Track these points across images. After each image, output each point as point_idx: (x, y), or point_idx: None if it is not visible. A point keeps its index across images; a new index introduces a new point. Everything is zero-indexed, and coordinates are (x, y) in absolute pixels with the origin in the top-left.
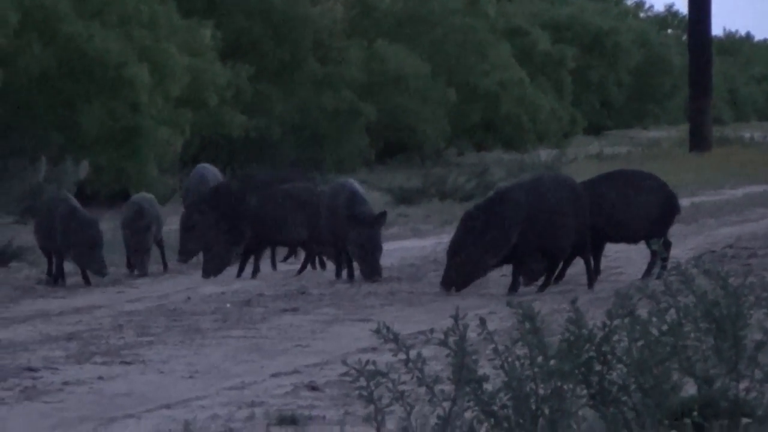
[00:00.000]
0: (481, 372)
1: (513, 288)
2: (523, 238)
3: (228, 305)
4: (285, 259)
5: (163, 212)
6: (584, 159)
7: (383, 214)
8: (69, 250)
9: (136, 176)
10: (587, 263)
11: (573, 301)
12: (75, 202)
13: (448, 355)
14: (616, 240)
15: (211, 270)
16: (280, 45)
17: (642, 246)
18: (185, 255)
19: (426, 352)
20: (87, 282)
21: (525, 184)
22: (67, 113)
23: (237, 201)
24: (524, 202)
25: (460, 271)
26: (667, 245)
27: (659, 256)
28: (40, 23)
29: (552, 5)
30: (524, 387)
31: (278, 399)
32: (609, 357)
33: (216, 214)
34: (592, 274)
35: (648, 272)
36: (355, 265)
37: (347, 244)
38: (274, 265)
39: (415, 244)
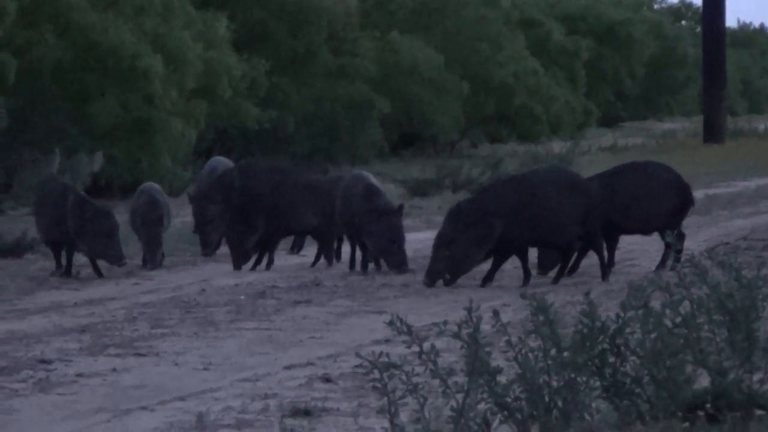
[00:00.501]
0: (494, 364)
1: (525, 280)
2: (513, 231)
3: (242, 297)
4: (292, 249)
5: (177, 204)
6: (598, 151)
7: (401, 206)
8: (83, 242)
9: (149, 168)
10: (600, 256)
11: (586, 294)
12: (80, 191)
13: (461, 347)
14: (630, 232)
15: (239, 261)
16: (294, 37)
17: (656, 237)
18: (209, 248)
19: (439, 344)
20: (99, 274)
21: (513, 177)
22: (80, 105)
23: (246, 191)
24: (509, 196)
25: (448, 265)
26: (681, 237)
27: (673, 248)
28: (53, 14)
29: None
30: (538, 379)
31: (292, 391)
32: (622, 349)
33: (226, 205)
34: (605, 266)
35: (662, 264)
36: (368, 256)
37: (367, 236)
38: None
39: (428, 236)
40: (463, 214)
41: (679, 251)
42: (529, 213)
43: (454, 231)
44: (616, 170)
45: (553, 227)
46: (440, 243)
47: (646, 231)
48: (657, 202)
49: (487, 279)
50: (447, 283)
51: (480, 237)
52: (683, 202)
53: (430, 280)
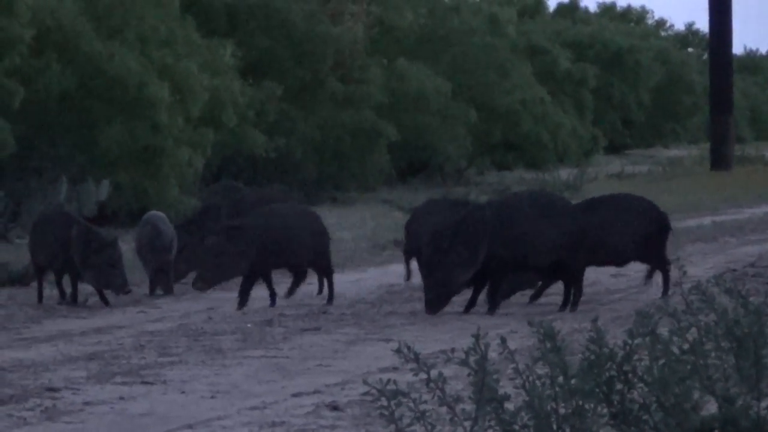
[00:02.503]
0: (502, 391)
1: (491, 308)
2: (493, 254)
3: (249, 325)
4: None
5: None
6: (605, 178)
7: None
8: (87, 271)
9: (156, 196)
10: (566, 284)
11: (594, 320)
12: (81, 219)
13: (469, 375)
14: (602, 263)
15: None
16: (301, 64)
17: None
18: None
19: (447, 371)
20: (105, 302)
21: (495, 202)
22: (87, 133)
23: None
24: (489, 219)
25: (435, 291)
26: (667, 263)
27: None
28: (60, 43)
29: (573, 24)
30: (545, 406)
31: (299, 419)
32: (630, 376)
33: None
34: (578, 297)
35: (665, 291)
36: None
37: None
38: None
39: None
40: (444, 239)
41: (666, 278)
42: (509, 235)
43: (435, 256)
44: (590, 204)
45: (534, 250)
46: (428, 270)
47: (618, 263)
48: (629, 232)
49: (470, 305)
50: (438, 308)
51: (463, 260)
52: (658, 230)
53: (431, 308)
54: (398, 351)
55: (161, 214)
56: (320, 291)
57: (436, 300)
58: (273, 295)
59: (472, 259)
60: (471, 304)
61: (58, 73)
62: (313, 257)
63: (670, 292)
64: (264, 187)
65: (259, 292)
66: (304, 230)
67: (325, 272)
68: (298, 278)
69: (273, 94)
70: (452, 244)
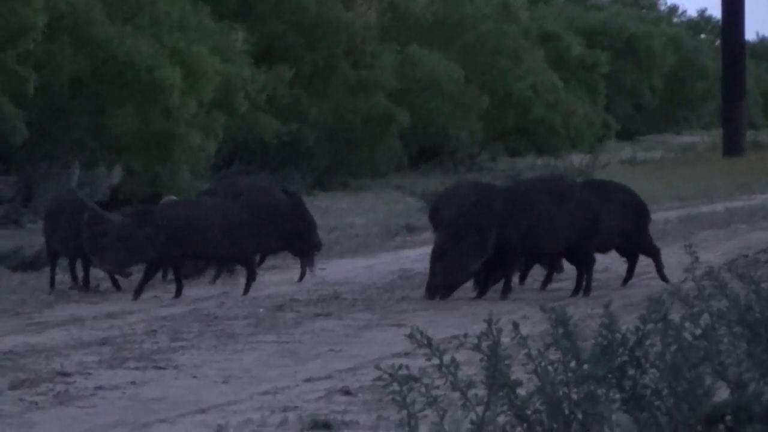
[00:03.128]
0: (514, 377)
1: (504, 293)
2: (504, 240)
3: (261, 310)
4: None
5: None
6: (617, 164)
7: None
8: (97, 257)
9: (168, 181)
10: (578, 268)
11: (606, 306)
12: (94, 204)
13: (481, 360)
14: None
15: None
16: (314, 50)
17: (675, 251)
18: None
19: (459, 356)
20: (117, 287)
21: (506, 188)
22: (99, 118)
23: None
24: (499, 206)
25: (445, 277)
26: (657, 252)
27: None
28: (72, 28)
29: (585, 10)
30: (557, 391)
31: (311, 404)
32: (642, 361)
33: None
34: (583, 282)
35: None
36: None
37: None
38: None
39: None
40: (455, 227)
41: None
42: (521, 222)
43: (447, 243)
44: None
45: (546, 237)
46: (435, 256)
47: (601, 249)
48: (612, 221)
49: (481, 293)
50: (442, 297)
51: (474, 248)
52: (637, 220)
53: (432, 294)
54: (410, 336)
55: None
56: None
57: (438, 286)
58: (179, 289)
59: (482, 247)
60: (483, 290)
61: (70, 58)
62: (228, 250)
63: (682, 278)
64: (248, 175)
65: (272, 276)
66: (218, 222)
67: (244, 265)
68: (304, 263)
69: (284, 78)
70: (463, 233)
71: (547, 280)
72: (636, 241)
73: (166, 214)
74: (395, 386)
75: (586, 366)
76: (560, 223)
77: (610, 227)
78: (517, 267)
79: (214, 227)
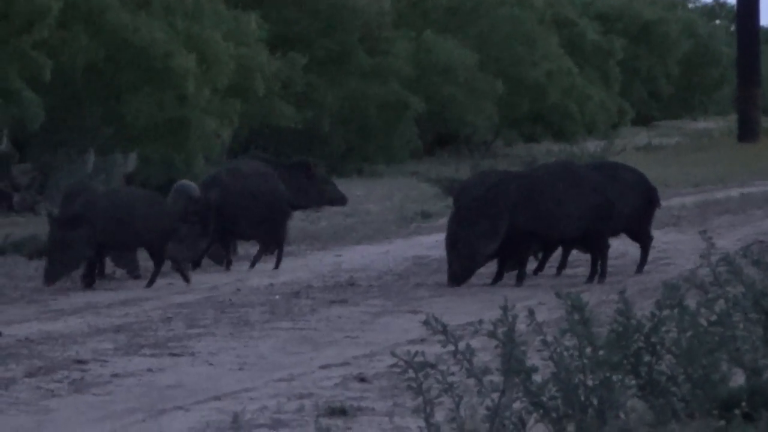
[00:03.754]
0: (529, 363)
1: (519, 279)
2: (519, 227)
3: (277, 297)
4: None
5: None
6: (633, 150)
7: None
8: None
9: (183, 167)
10: (593, 254)
11: (621, 292)
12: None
13: (496, 347)
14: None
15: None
16: (329, 36)
17: (691, 236)
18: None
19: (475, 343)
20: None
21: (517, 173)
22: (114, 105)
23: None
24: (512, 190)
25: (460, 263)
26: (649, 239)
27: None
28: (86, 14)
29: None
30: (573, 378)
31: (327, 390)
32: (658, 347)
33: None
34: (598, 268)
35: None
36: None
37: None
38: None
39: None
40: (467, 212)
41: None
42: (535, 208)
43: (459, 229)
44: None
45: (560, 222)
46: (451, 243)
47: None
48: (621, 204)
49: (498, 277)
50: (458, 282)
51: (485, 233)
52: (648, 203)
53: (454, 283)
54: (426, 323)
55: (192, 184)
56: (150, 283)
57: (459, 273)
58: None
59: (494, 232)
60: (498, 276)
61: (85, 45)
62: (147, 240)
63: (698, 264)
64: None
65: (287, 263)
66: (138, 213)
67: (154, 257)
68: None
69: (298, 64)
70: (475, 218)
71: (562, 266)
72: (641, 225)
73: (90, 212)
74: (411, 373)
75: (601, 352)
76: (574, 208)
77: (619, 210)
78: (534, 255)
79: (133, 219)
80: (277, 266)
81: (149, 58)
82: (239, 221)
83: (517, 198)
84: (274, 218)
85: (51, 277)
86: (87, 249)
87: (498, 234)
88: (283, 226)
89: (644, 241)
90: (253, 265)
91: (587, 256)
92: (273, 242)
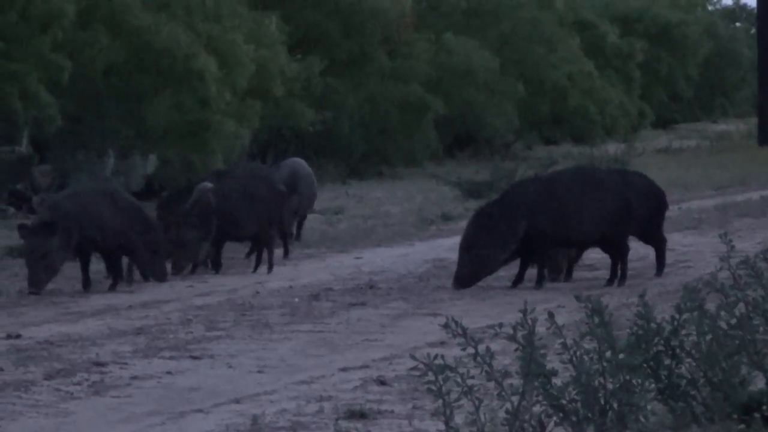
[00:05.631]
0: (549, 366)
1: (539, 282)
2: (538, 230)
3: (296, 299)
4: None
5: None
6: (653, 152)
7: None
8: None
9: (203, 169)
10: (612, 258)
11: (641, 295)
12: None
13: (516, 350)
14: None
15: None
16: (349, 38)
17: (711, 239)
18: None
19: (494, 346)
20: (146, 278)
21: (537, 178)
22: (134, 107)
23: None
24: (531, 195)
25: (471, 267)
26: (663, 242)
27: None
28: (107, 16)
29: None
30: (593, 381)
31: (347, 393)
32: (678, 351)
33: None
34: (618, 271)
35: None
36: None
37: None
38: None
39: None
40: (486, 217)
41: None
42: (554, 211)
43: (476, 233)
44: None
45: (579, 226)
46: (466, 246)
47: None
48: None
49: (518, 280)
50: (466, 285)
51: (503, 238)
52: (657, 207)
53: (460, 285)
54: (446, 326)
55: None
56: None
57: (467, 276)
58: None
59: (511, 237)
60: (518, 279)
61: (105, 46)
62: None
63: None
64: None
65: (307, 265)
66: (108, 212)
67: (131, 256)
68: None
69: (317, 66)
70: (494, 223)
71: (569, 269)
72: (649, 229)
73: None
74: (431, 376)
75: (621, 355)
76: (593, 212)
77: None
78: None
79: (104, 218)
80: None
81: (171, 60)
82: (238, 223)
83: (536, 202)
84: (271, 219)
85: (34, 284)
86: (63, 255)
87: (516, 239)
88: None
89: (658, 243)
90: (270, 268)
91: (606, 260)
92: (266, 244)
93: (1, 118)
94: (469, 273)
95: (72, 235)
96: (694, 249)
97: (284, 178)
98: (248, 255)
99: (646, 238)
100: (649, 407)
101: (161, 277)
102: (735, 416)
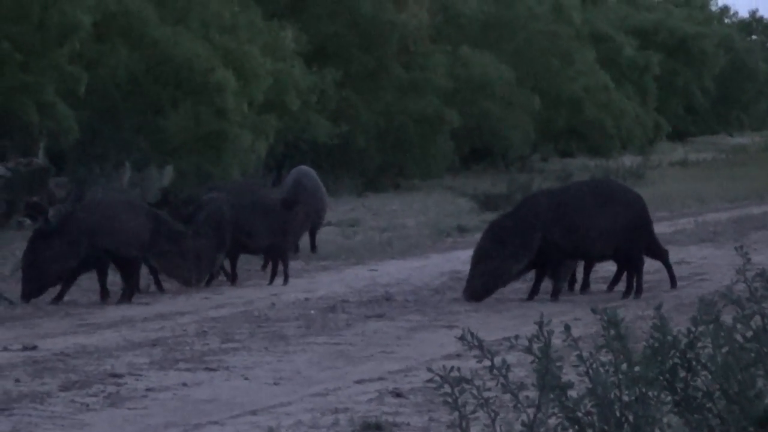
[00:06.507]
0: (565, 378)
1: (554, 294)
2: (552, 242)
3: (312, 312)
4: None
5: None
6: (668, 165)
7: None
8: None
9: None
10: (628, 270)
11: (657, 308)
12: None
13: (532, 362)
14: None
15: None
16: (366, 51)
17: (727, 251)
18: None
19: (510, 358)
20: (161, 289)
21: (550, 191)
22: (151, 118)
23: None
24: (544, 208)
25: (484, 279)
26: (665, 253)
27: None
28: (125, 28)
29: (637, 11)
30: (609, 393)
31: (363, 405)
32: (693, 363)
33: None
34: (633, 284)
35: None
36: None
37: None
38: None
39: None
40: (499, 230)
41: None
42: (568, 224)
43: (490, 246)
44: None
45: (593, 239)
46: (479, 258)
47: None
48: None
49: (533, 292)
50: (479, 298)
51: (516, 251)
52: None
53: (470, 297)
54: (462, 338)
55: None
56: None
57: (480, 289)
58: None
59: (525, 249)
60: (534, 291)
61: (123, 58)
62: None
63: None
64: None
65: (323, 277)
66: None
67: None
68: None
69: (333, 78)
70: (507, 236)
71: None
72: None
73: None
74: (446, 388)
75: (637, 368)
76: (607, 224)
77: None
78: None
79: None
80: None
81: (190, 72)
82: (250, 235)
83: (551, 215)
84: (284, 231)
85: (22, 292)
86: (62, 265)
87: (529, 252)
88: (291, 238)
89: (662, 256)
90: (286, 280)
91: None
92: (281, 256)
93: (17, 130)
94: (481, 285)
95: (80, 246)
96: (709, 262)
97: (288, 190)
98: (264, 267)
99: (649, 253)
100: (664, 420)
101: (188, 282)
102: (751, 429)
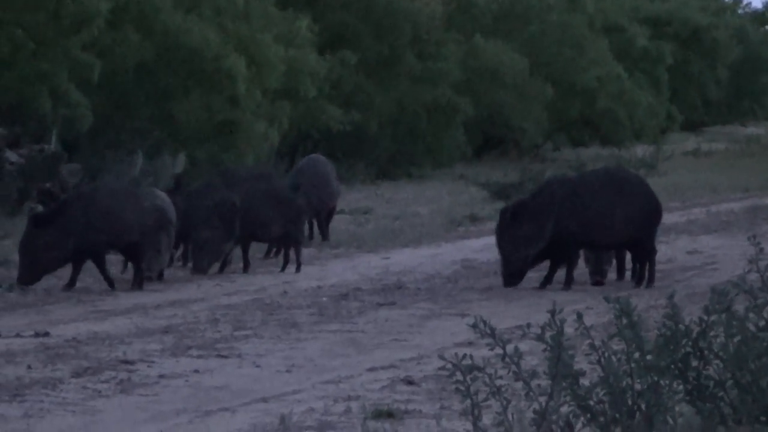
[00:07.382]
0: (577, 367)
1: (567, 283)
2: (566, 231)
3: (324, 299)
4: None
5: None
6: (681, 155)
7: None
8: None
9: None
10: (641, 259)
11: (670, 297)
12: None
13: (544, 350)
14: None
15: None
16: (379, 39)
17: (739, 242)
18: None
19: (522, 346)
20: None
21: (565, 178)
22: (164, 106)
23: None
24: (558, 195)
25: (512, 266)
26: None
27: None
28: (138, 16)
29: (650, 1)
30: (621, 382)
31: (374, 393)
32: (706, 352)
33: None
34: (646, 273)
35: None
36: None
37: None
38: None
39: None
40: (511, 215)
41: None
42: (581, 212)
43: (506, 233)
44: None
45: (606, 228)
46: (500, 246)
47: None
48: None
49: (546, 281)
50: (512, 283)
51: (529, 236)
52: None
53: (509, 282)
54: (474, 326)
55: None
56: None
57: (514, 274)
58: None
59: (538, 234)
60: (547, 280)
61: (135, 46)
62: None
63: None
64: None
65: (335, 265)
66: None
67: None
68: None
69: (348, 62)
70: (520, 221)
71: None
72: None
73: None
74: (459, 376)
75: (649, 357)
76: (621, 213)
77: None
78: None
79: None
80: (298, 269)
81: (201, 59)
82: (261, 223)
83: (565, 203)
84: (294, 219)
85: (23, 279)
86: (58, 252)
87: (543, 237)
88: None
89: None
90: (298, 267)
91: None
92: (294, 243)
93: (30, 117)
94: (514, 271)
95: (72, 235)
96: (722, 252)
97: (295, 177)
98: (276, 254)
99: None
100: (676, 408)
101: (200, 270)
102: (763, 418)
